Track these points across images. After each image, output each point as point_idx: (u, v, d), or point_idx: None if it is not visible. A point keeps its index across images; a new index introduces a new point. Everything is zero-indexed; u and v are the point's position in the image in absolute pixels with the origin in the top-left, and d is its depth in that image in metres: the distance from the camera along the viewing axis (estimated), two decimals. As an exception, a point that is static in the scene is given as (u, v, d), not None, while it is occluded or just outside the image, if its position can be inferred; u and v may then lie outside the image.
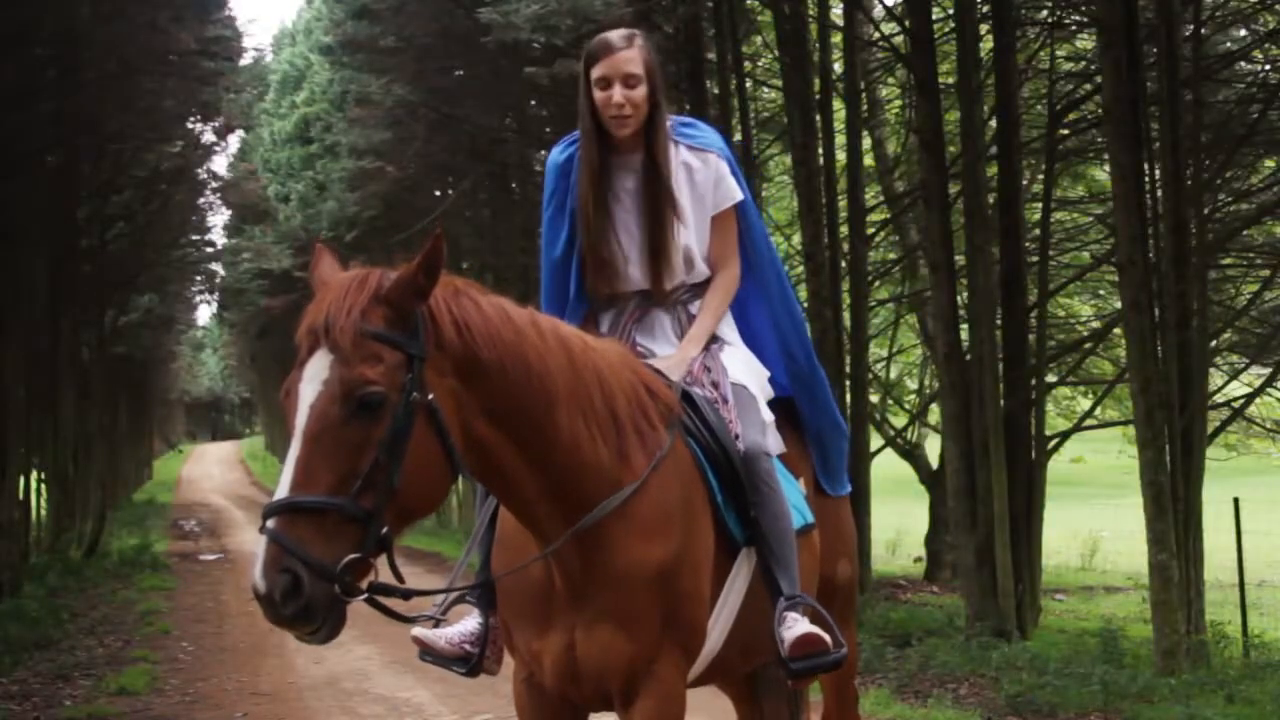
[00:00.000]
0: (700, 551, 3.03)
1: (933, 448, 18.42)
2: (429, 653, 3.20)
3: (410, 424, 2.54)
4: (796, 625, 3.07)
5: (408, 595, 2.65)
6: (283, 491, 2.46)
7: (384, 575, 2.62)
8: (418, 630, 3.19)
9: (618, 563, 2.91)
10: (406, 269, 2.60)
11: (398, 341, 2.56)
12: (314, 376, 2.53)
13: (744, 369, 3.43)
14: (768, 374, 3.57)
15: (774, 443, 3.37)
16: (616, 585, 2.91)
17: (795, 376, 3.68)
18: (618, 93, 3.29)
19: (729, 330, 3.57)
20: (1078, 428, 15.08)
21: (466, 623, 3.23)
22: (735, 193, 3.51)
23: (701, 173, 3.48)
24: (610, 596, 2.92)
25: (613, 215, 3.41)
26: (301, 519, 2.44)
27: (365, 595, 2.53)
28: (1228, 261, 14.20)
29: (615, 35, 3.37)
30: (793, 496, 3.36)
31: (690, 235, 3.45)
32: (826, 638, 3.06)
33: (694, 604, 3.01)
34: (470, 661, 3.18)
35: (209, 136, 22.91)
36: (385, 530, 2.51)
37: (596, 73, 3.31)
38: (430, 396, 2.58)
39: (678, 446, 3.09)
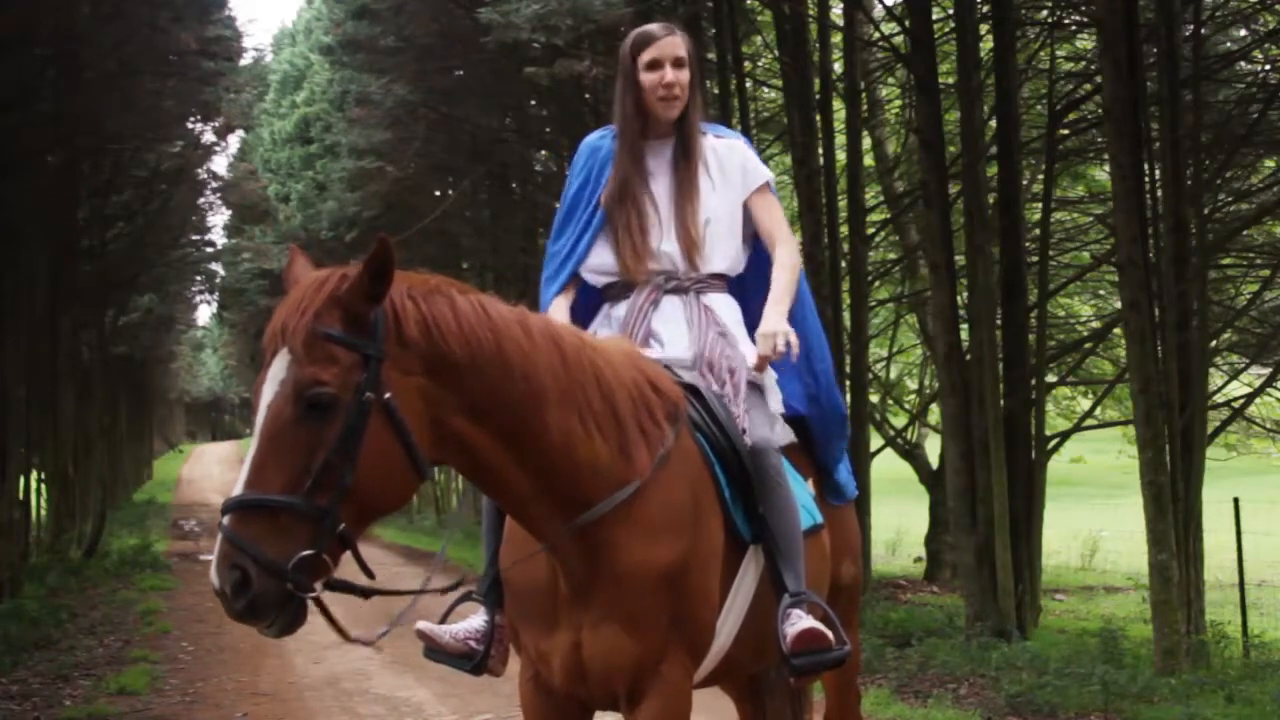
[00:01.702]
0: (709, 550, 3.02)
1: (933, 448, 18.41)
2: (433, 648, 3.20)
3: (363, 423, 2.55)
4: (800, 621, 3.05)
5: (367, 594, 2.67)
6: (238, 489, 2.51)
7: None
8: (422, 624, 3.19)
9: (622, 563, 2.90)
10: (356, 272, 2.63)
11: (351, 342, 2.58)
12: (274, 378, 2.58)
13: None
14: (775, 375, 3.56)
15: (782, 435, 3.38)
16: (621, 586, 2.90)
17: (812, 398, 3.67)
18: (669, 72, 3.46)
19: (741, 329, 3.56)
20: (1078, 428, 15.07)
21: (473, 620, 3.22)
22: (765, 171, 3.63)
23: (728, 157, 3.59)
24: (615, 597, 2.91)
25: (650, 190, 3.52)
26: (254, 516, 2.48)
27: (320, 592, 2.54)
28: (1228, 261, 14.20)
29: (657, 26, 3.54)
30: (802, 497, 3.35)
31: (713, 211, 3.52)
32: (829, 634, 3.05)
33: (701, 603, 3.00)
34: (475, 659, 3.17)
35: (209, 136, 22.86)
36: (343, 527, 2.54)
37: (648, 56, 3.47)
38: (388, 395, 2.59)
39: (686, 444, 3.07)
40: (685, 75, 3.48)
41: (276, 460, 2.51)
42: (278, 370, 2.57)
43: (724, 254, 3.55)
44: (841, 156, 15.03)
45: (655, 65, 3.46)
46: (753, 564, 3.18)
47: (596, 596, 2.92)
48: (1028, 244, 12.84)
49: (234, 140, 31.06)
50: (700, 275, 3.51)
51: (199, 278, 35.54)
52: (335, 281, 2.62)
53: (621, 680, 2.95)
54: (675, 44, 3.48)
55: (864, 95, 15.35)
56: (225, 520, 2.49)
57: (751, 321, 3.61)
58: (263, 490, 2.49)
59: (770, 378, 3.51)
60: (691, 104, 3.53)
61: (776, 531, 3.14)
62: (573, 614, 2.96)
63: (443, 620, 3.23)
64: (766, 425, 3.26)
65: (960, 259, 12.50)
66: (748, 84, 15.33)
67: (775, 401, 3.45)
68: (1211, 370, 12.89)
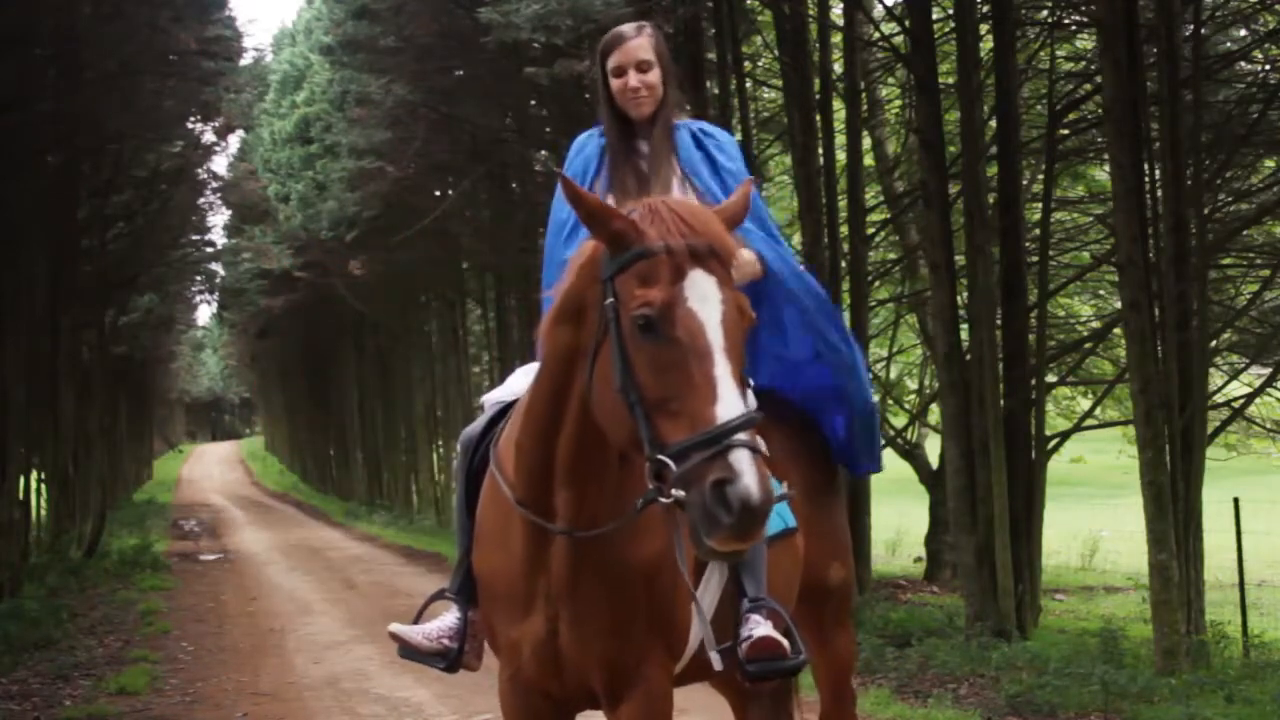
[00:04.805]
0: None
1: (933, 448, 18.40)
2: (407, 649, 3.21)
3: None
4: (757, 628, 3.07)
5: None
6: (741, 406, 2.47)
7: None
8: (395, 626, 3.20)
9: (611, 559, 2.91)
10: (731, 207, 2.86)
11: None
12: (709, 296, 2.58)
13: None
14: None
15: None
16: (608, 582, 2.92)
17: (835, 365, 3.73)
18: (633, 78, 3.49)
19: None
20: (1078, 428, 15.06)
21: (445, 618, 3.24)
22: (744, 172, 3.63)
23: (713, 144, 3.62)
24: (601, 593, 2.92)
25: (631, 189, 3.51)
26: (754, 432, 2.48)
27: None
28: (1228, 261, 14.19)
29: (626, 27, 3.58)
30: None
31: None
32: (785, 643, 3.06)
33: (675, 604, 3.02)
34: (449, 657, 3.19)
35: (209, 136, 22.89)
36: None
37: (612, 63, 3.52)
38: None
39: None
40: (653, 76, 3.50)
41: (741, 376, 2.55)
42: (709, 288, 2.59)
43: None
44: (841, 156, 15.02)
45: (619, 72, 3.50)
46: (718, 568, 3.18)
47: (582, 587, 2.93)
48: (1028, 244, 12.82)
49: (234, 140, 31.08)
50: None
51: (199, 278, 35.57)
52: (713, 211, 2.76)
53: (598, 675, 2.96)
54: (639, 47, 3.49)
55: (864, 95, 15.33)
56: (747, 436, 2.42)
57: (780, 323, 3.65)
58: (750, 407, 2.52)
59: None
60: (664, 101, 3.55)
61: None
62: (549, 604, 2.96)
63: (416, 620, 3.24)
64: None
65: (960, 259, 12.49)
66: (748, 84, 15.32)
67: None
68: (1211, 370, 12.88)
